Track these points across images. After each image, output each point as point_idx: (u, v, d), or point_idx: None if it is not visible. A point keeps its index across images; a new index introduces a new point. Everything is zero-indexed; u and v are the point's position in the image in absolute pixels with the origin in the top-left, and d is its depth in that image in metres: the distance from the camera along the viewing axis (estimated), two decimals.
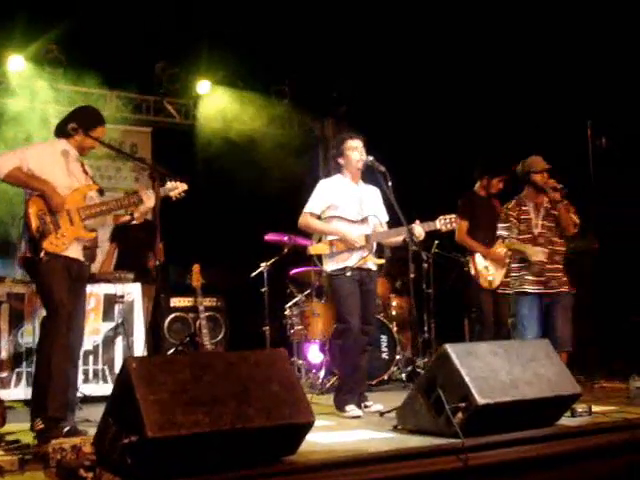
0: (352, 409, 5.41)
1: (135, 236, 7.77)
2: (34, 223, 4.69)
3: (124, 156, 9.29)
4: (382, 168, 5.54)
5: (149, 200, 5.05)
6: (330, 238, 5.70)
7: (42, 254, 4.66)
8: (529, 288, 6.13)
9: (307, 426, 3.55)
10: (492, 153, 7.12)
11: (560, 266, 6.16)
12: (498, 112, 8.55)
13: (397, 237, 5.73)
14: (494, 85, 8.54)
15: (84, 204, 4.92)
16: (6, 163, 4.73)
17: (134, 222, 5.91)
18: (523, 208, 6.27)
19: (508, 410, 4.12)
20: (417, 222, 5.59)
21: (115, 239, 8.02)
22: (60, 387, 4.63)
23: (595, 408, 4.91)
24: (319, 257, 5.76)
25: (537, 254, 6.07)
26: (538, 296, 6.08)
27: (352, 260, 5.62)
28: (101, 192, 5.14)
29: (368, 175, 5.85)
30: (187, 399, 3.27)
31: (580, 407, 4.74)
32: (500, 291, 6.39)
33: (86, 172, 5.09)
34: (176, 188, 5.14)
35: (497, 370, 4.23)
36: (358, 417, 5.32)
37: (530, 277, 6.12)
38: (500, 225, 6.33)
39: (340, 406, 5.52)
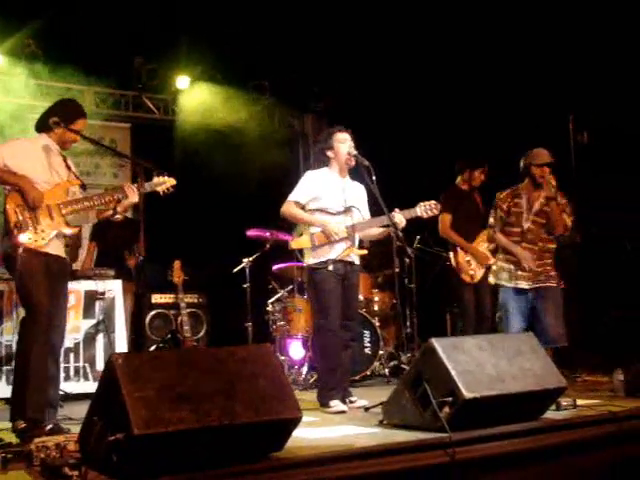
0: (336, 404, 5.39)
1: (114, 234, 7.72)
2: (12, 218, 4.61)
3: (108, 151, 9.20)
4: (366, 162, 5.55)
5: (133, 195, 4.96)
6: (312, 231, 5.67)
7: (20, 250, 4.59)
8: (519, 283, 6.07)
9: (294, 422, 3.53)
10: (473, 145, 7.10)
11: (549, 261, 6.12)
12: (479, 105, 8.55)
13: (379, 228, 5.74)
14: (475, 78, 8.54)
15: (65, 199, 4.86)
16: None
17: (117, 217, 5.85)
18: (516, 200, 6.13)
19: (494, 404, 4.11)
20: (396, 210, 5.59)
21: (94, 237, 7.97)
22: (39, 388, 4.58)
23: (580, 401, 4.91)
24: (301, 251, 5.74)
25: (527, 260, 6.01)
26: (525, 291, 6.04)
27: (334, 252, 5.60)
28: (83, 187, 5.07)
29: (352, 170, 5.84)
30: (173, 395, 3.23)
31: (565, 401, 4.74)
32: (491, 281, 6.33)
33: (69, 167, 5.03)
34: (164, 183, 5.07)
35: (483, 364, 4.22)
36: (343, 412, 5.30)
37: (520, 273, 6.07)
38: (491, 212, 6.25)
39: (324, 402, 5.49)
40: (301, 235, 5.80)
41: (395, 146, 9.19)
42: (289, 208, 5.74)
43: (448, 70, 8.73)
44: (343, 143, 5.72)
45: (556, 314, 6.00)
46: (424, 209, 5.67)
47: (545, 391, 4.39)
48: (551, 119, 7.87)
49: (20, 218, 4.63)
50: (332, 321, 5.52)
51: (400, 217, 5.56)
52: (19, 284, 4.72)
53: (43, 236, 4.68)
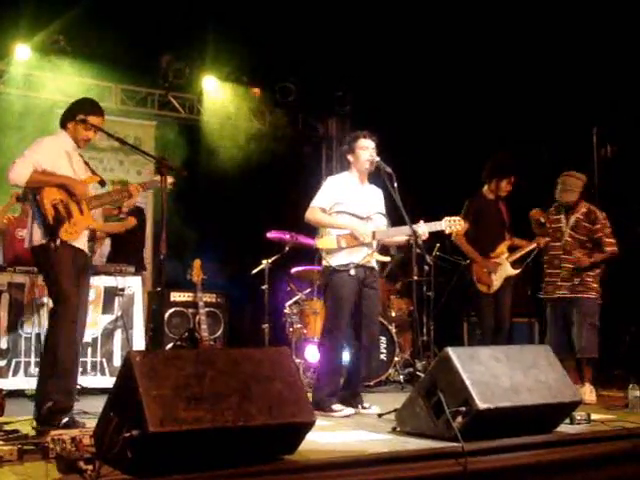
0: (341, 408, 5.38)
1: (127, 230, 7.77)
2: (50, 212, 4.70)
3: (130, 148, 9.23)
4: (388, 169, 5.53)
5: (137, 195, 5.24)
6: (337, 233, 5.63)
7: (58, 242, 4.67)
8: (558, 293, 6.54)
9: (308, 425, 3.55)
10: (500, 156, 7.04)
11: (590, 272, 6.49)
12: (506, 117, 8.53)
13: (400, 236, 5.71)
14: (501, 89, 8.52)
15: (90, 195, 4.97)
16: (23, 171, 4.70)
17: (121, 215, 5.95)
18: (556, 217, 6.68)
19: (508, 415, 4.11)
20: (421, 222, 5.57)
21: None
22: (67, 376, 4.67)
23: (594, 416, 4.90)
24: (322, 252, 5.73)
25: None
26: (561, 300, 6.32)
27: (356, 257, 5.59)
28: (102, 183, 5.15)
29: (373, 176, 5.84)
30: (189, 395, 3.26)
31: (579, 414, 4.73)
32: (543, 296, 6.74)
33: (86, 163, 5.13)
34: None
35: (498, 375, 4.22)
36: (348, 416, 5.29)
37: (559, 282, 6.52)
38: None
39: (324, 406, 5.37)
40: (324, 236, 5.76)
41: (420, 149, 9.17)
42: (314, 214, 5.71)
43: (476, 78, 8.72)
44: (365, 150, 5.70)
45: (586, 326, 6.36)
46: (448, 224, 5.65)
47: (559, 404, 4.38)
48: (574, 133, 7.85)
49: (57, 212, 4.72)
50: (341, 326, 5.54)
51: (424, 229, 5.53)
52: (50, 275, 4.80)
53: (76, 229, 4.80)
